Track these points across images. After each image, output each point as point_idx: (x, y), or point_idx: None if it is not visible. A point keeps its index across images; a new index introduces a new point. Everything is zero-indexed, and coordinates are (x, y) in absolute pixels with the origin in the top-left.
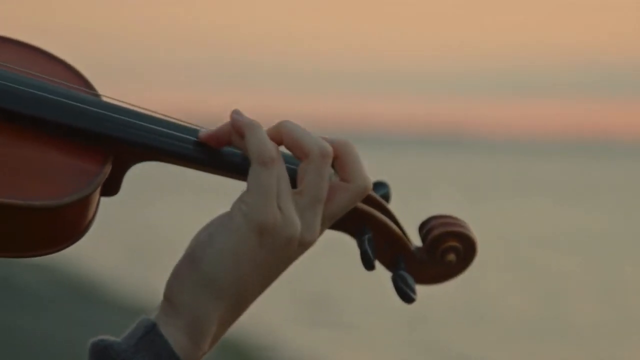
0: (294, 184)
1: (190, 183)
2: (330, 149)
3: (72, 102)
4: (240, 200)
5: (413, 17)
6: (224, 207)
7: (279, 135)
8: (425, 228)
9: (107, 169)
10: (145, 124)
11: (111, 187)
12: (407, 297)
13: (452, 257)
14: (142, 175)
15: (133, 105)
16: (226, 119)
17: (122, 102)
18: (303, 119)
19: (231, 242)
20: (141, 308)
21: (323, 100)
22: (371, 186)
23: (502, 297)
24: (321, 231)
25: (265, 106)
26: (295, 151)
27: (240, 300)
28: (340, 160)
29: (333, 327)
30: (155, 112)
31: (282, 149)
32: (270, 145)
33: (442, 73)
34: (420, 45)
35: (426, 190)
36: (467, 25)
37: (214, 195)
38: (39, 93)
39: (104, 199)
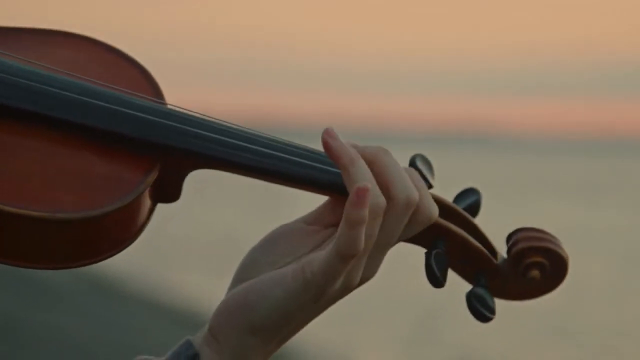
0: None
1: (214, 181)
2: (416, 198)
3: (114, 107)
4: (309, 264)
5: (438, 16)
6: (249, 207)
7: (371, 163)
8: (511, 240)
9: (151, 178)
10: (198, 131)
11: (169, 194)
12: (481, 316)
13: (535, 273)
14: None
15: (198, 112)
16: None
17: (183, 108)
18: (333, 117)
19: (287, 302)
20: (160, 305)
21: (349, 99)
22: (416, 196)
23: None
24: (380, 262)
25: (288, 106)
26: (381, 187)
27: (284, 339)
28: (375, 173)
29: (355, 324)
30: (212, 118)
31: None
32: (361, 242)
33: (469, 71)
34: (446, 43)
35: (455, 189)
36: (494, 24)
37: (236, 194)
38: (79, 97)
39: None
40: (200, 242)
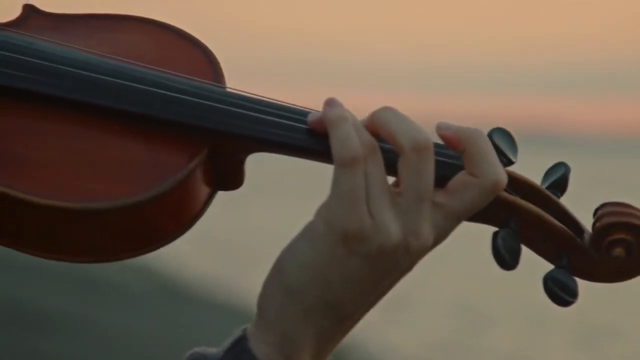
0: (442, 181)
1: (287, 181)
2: (425, 140)
3: (159, 91)
4: (324, 204)
5: (498, 14)
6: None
7: (374, 127)
8: (595, 216)
9: (195, 163)
10: (248, 113)
11: (228, 180)
12: (559, 300)
13: (619, 251)
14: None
15: (256, 94)
16: None
17: (240, 90)
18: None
19: (313, 252)
20: (231, 306)
21: (410, 98)
22: (504, 181)
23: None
24: (449, 231)
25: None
26: (392, 145)
27: (339, 315)
28: (467, 155)
29: (410, 326)
30: (259, 96)
31: None
32: (352, 143)
33: (532, 69)
34: (507, 41)
35: None
36: (555, 21)
37: (292, 191)
38: (122, 82)
39: None
40: (274, 245)
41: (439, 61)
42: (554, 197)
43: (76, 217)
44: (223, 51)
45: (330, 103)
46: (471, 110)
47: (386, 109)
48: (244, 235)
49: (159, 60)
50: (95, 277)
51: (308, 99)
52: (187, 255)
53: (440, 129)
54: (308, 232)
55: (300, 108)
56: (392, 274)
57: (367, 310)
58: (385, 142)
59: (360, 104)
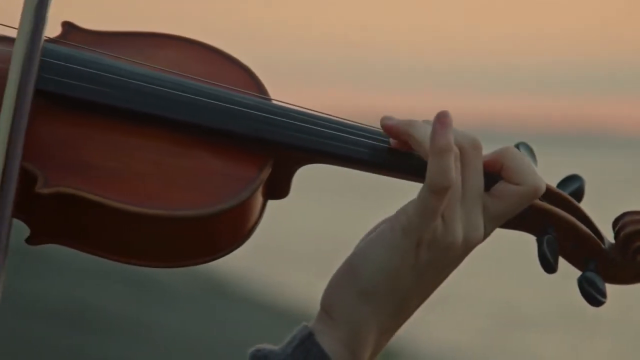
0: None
1: (332, 183)
2: (478, 140)
3: (229, 106)
4: (404, 212)
5: (545, 14)
6: (364, 209)
7: (407, 139)
8: (618, 224)
9: (265, 174)
10: (309, 127)
11: (279, 190)
12: (594, 300)
13: None
14: None
15: (304, 107)
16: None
17: (288, 103)
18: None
19: (389, 256)
20: (274, 306)
21: (452, 97)
22: (543, 188)
23: (617, 301)
24: (489, 232)
25: (378, 105)
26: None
27: (401, 309)
28: (506, 168)
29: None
30: (321, 112)
31: None
32: (449, 174)
33: (575, 69)
34: (549, 41)
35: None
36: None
37: (339, 192)
38: (194, 97)
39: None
40: (304, 241)
41: (455, 61)
42: (579, 205)
43: (164, 225)
44: (281, 52)
45: (442, 124)
46: (510, 110)
47: (414, 124)
48: (287, 235)
49: (208, 77)
50: (143, 278)
51: (310, 98)
52: (233, 256)
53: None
54: (384, 236)
55: (359, 124)
56: (450, 269)
57: (421, 303)
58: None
59: (370, 104)
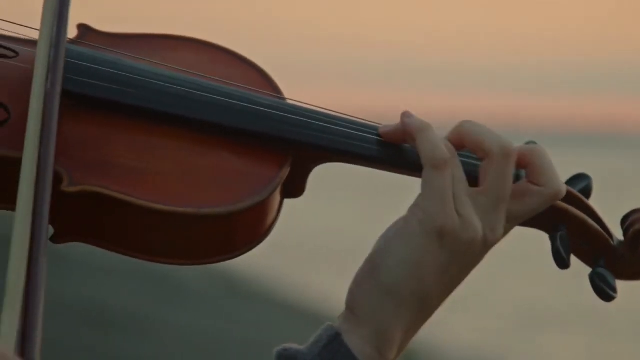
0: (476, 182)
1: (351, 181)
2: (512, 147)
3: (249, 106)
4: (416, 205)
5: (573, 14)
6: (383, 208)
7: (459, 136)
8: (626, 222)
9: (285, 172)
10: (327, 126)
11: (295, 189)
12: (605, 295)
13: None
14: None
15: (315, 105)
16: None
17: (305, 103)
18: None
19: (409, 249)
20: (291, 305)
21: (452, 97)
22: (564, 192)
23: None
24: (507, 230)
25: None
26: (476, 152)
27: (424, 306)
28: (532, 167)
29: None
30: (332, 111)
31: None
32: (442, 147)
33: (602, 68)
34: (577, 41)
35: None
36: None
37: (373, 195)
38: (215, 97)
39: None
40: (322, 239)
41: (464, 59)
42: (589, 203)
43: (189, 223)
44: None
45: (408, 114)
46: (537, 110)
47: (468, 121)
48: (305, 234)
49: (224, 78)
50: (159, 276)
51: (314, 97)
52: (250, 255)
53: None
54: (401, 230)
55: (366, 122)
56: (471, 267)
57: (443, 301)
58: (471, 150)
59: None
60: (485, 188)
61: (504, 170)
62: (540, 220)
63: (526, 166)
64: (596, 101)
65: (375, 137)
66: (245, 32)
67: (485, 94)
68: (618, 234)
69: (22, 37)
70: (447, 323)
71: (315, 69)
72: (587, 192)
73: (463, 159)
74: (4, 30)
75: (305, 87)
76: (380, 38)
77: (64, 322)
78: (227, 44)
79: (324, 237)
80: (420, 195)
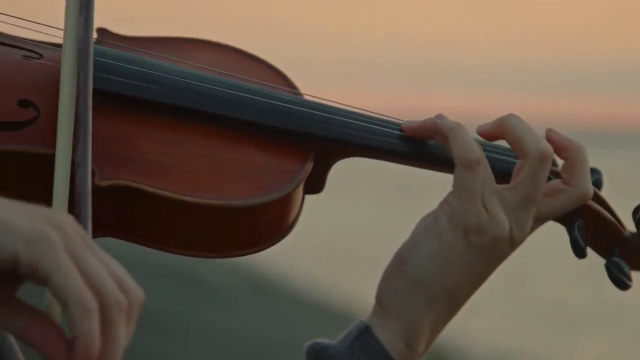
0: (508, 177)
1: (379, 180)
2: (550, 151)
3: (272, 102)
4: (445, 202)
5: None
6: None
7: (501, 129)
8: (638, 214)
9: (309, 166)
10: (348, 120)
11: (315, 185)
12: (622, 284)
13: None
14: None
15: (333, 101)
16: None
17: (322, 99)
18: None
19: (437, 245)
20: (321, 304)
21: (452, 97)
22: (592, 194)
23: None
24: (533, 228)
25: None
26: (515, 149)
27: (452, 301)
28: (570, 162)
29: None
30: (353, 107)
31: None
32: (475, 147)
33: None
34: (604, 40)
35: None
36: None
37: (401, 194)
38: (239, 94)
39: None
40: (353, 240)
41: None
42: (604, 197)
43: (218, 215)
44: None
45: (441, 116)
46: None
47: (514, 116)
48: (335, 234)
49: (244, 76)
50: (190, 275)
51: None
52: (281, 255)
53: (551, 132)
54: (430, 226)
55: (387, 117)
56: (497, 263)
57: (470, 296)
58: (509, 145)
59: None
60: (516, 186)
61: (538, 173)
62: None
63: (565, 159)
64: (596, 101)
65: (397, 132)
66: (245, 33)
67: (484, 94)
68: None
69: (44, 42)
70: (472, 323)
71: (315, 69)
72: (598, 185)
73: (493, 155)
74: (28, 29)
75: (306, 87)
76: (381, 37)
77: None
78: (227, 43)
79: (351, 236)
80: (450, 193)
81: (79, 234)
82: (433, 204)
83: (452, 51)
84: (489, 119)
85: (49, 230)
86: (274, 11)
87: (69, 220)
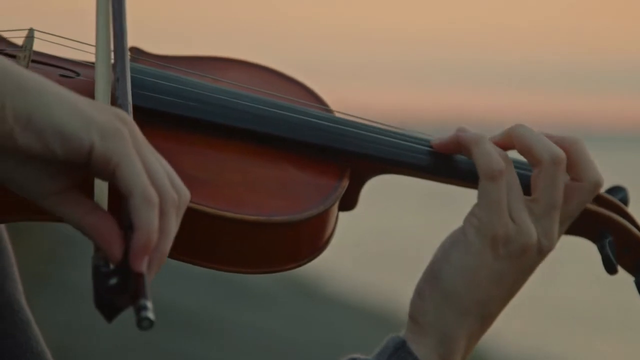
0: (527, 190)
1: (415, 189)
2: (562, 155)
3: (308, 119)
4: (472, 214)
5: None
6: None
7: (510, 139)
8: None
9: (345, 183)
10: (381, 137)
11: (349, 202)
12: None
13: None
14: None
15: (364, 118)
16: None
17: (353, 115)
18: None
19: (467, 258)
20: (360, 306)
21: (451, 96)
22: (603, 181)
23: None
24: (559, 235)
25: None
26: (527, 157)
27: (486, 313)
28: (570, 159)
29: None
30: (383, 124)
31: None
32: (497, 158)
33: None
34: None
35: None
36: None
37: (436, 200)
38: (275, 111)
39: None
40: (389, 242)
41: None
42: (632, 214)
43: (256, 230)
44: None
45: (462, 129)
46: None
47: (522, 126)
48: (367, 236)
49: (278, 94)
50: (231, 278)
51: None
52: (322, 258)
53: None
54: (458, 239)
55: (418, 133)
56: (528, 273)
57: (504, 307)
58: (521, 155)
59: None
60: (537, 196)
61: (555, 178)
62: (587, 229)
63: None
64: (597, 101)
65: (427, 148)
66: (245, 32)
67: (485, 93)
68: None
69: (81, 61)
70: (503, 328)
71: (315, 69)
72: (625, 201)
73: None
74: (62, 45)
75: (322, 88)
76: (381, 36)
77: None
78: (227, 43)
79: (389, 238)
80: (476, 205)
81: (140, 133)
82: (469, 206)
83: (450, 51)
84: (487, 119)
85: (120, 126)
86: (264, 10)
87: (131, 119)
